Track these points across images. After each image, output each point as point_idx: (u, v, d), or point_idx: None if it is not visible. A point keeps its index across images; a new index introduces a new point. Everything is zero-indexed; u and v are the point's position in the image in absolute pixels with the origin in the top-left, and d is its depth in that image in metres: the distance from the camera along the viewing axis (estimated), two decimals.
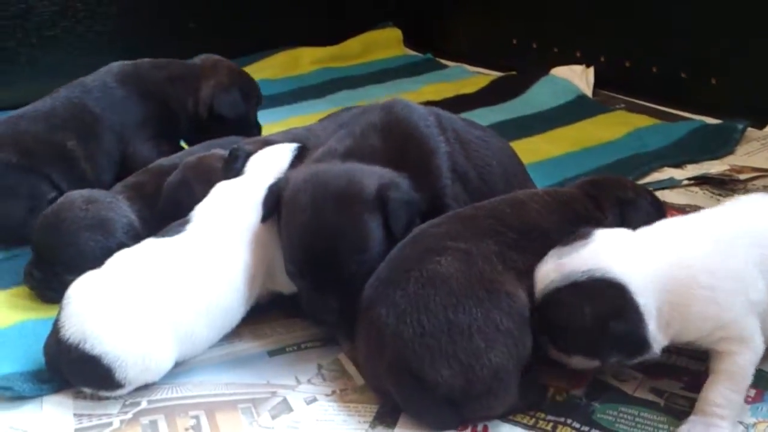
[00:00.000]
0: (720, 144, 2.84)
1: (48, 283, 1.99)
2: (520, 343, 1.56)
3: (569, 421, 1.60)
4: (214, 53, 2.77)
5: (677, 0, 3.20)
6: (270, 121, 2.94)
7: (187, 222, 1.84)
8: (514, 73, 3.69)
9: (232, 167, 1.99)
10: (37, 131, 2.37)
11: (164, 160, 2.28)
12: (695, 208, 2.39)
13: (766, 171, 2.65)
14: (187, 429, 1.61)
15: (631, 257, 1.56)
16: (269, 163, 1.97)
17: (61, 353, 1.64)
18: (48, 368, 1.70)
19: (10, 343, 1.85)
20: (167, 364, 1.70)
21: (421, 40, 4.22)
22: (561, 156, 2.82)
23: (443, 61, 4.01)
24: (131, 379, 1.66)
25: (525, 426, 1.59)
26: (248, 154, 1.99)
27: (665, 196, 2.43)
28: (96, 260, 1.80)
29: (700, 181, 2.62)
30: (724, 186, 2.58)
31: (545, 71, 3.51)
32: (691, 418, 1.54)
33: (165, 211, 2.01)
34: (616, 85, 3.45)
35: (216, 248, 1.79)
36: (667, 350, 1.61)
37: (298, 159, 1.98)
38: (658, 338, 1.54)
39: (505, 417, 1.60)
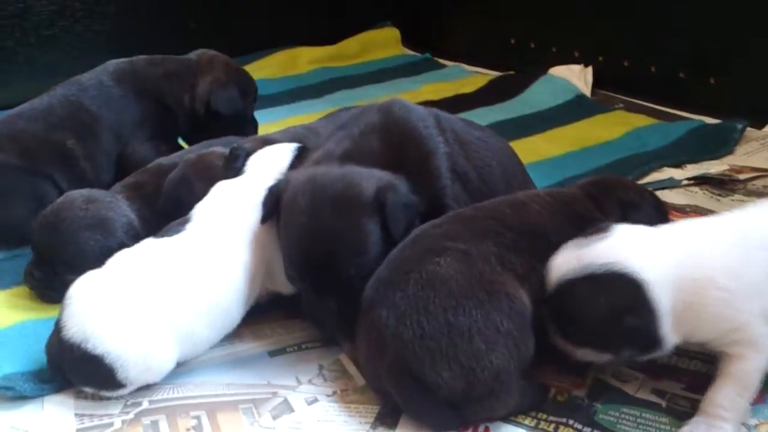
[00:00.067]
0: (719, 144, 2.84)
1: (48, 283, 1.99)
2: (520, 344, 1.55)
3: (571, 421, 1.60)
4: None
5: (676, 0, 3.19)
6: (268, 121, 2.94)
7: (187, 221, 1.83)
8: (512, 72, 3.68)
9: (233, 166, 1.98)
10: (36, 130, 2.36)
11: (163, 160, 2.27)
12: (695, 208, 2.41)
13: (765, 171, 2.65)
14: (188, 429, 1.61)
15: (649, 254, 1.55)
16: (269, 163, 1.96)
17: (63, 353, 1.64)
18: (49, 368, 1.70)
19: (11, 343, 1.85)
20: (169, 364, 1.70)
21: (419, 39, 4.21)
22: (560, 156, 2.81)
23: (442, 61, 4.00)
24: (133, 379, 1.66)
25: (527, 427, 1.59)
26: (248, 153, 1.99)
27: (665, 196, 2.42)
28: (96, 260, 1.80)
29: (700, 181, 2.62)
30: (724, 186, 2.59)
31: (544, 71, 3.51)
32: (694, 419, 1.54)
33: (165, 208, 2.02)
34: (615, 84, 3.44)
35: (216, 248, 1.79)
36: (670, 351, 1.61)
37: (298, 159, 1.97)
38: (670, 336, 1.53)
39: (506, 418, 1.60)
